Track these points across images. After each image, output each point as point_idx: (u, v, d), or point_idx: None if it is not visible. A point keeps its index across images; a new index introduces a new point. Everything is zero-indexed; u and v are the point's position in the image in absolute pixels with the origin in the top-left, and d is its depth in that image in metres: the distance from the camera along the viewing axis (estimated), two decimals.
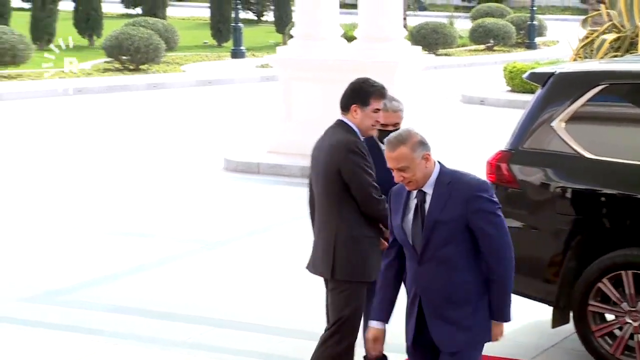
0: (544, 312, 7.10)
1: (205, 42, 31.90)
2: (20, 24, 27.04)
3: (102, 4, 30.37)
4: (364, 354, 6.58)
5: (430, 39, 28.89)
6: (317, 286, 6.34)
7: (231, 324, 7.75)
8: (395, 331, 5.45)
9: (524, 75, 7.47)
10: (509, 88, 20.73)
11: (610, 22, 16.86)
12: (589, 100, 6.84)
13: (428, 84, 17.74)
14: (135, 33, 24.56)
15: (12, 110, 19.37)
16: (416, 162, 4.75)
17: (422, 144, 4.80)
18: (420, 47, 15.78)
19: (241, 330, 7.62)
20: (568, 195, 6.76)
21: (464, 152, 13.60)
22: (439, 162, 4.87)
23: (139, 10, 37.05)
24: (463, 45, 30.99)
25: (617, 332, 6.65)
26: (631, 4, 16.49)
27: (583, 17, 21.66)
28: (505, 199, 6.95)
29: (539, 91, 7.08)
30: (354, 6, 16.82)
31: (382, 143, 5.17)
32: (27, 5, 35.30)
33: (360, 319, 5.97)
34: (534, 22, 31.50)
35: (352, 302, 5.89)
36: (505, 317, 4.91)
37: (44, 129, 17.23)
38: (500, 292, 4.85)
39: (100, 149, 15.40)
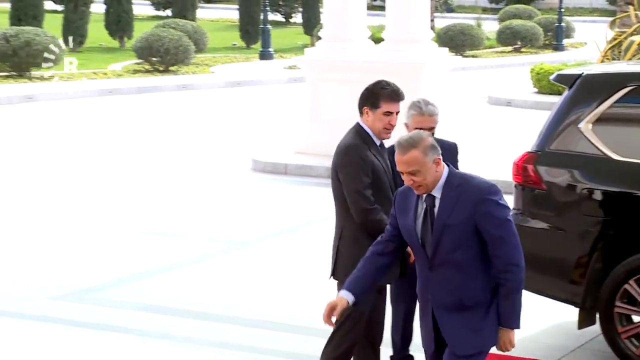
0: (570, 313, 7.11)
1: (234, 44, 32.03)
2: (53, 26, 27.31)
3: (133, 6, 30.61)
4: (391, 354, 6.67)
5: (458, 41, 28.87)
6: None
7: (259, 323, 7.82)
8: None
9: (551, 77, 7.49)
10: (536, 90, 20.69)
11: (639, 24, 16.80)
12: (616, 102, 6.85)
13: (455, 86, 17.75)
14: (165, 35, 24.73)
15: (45, 111, 19.57)
16: (427, 166, 4.69)
17: (434, 147, 4.73)
18: (447, 49, 15.80)
19: (268, 330, 7.68)
20: (595, 196, 6.76)
21: (491, 153, 13.62)
22: (448, 165, 4.81)
23: (169, 12, 37.33)
24: (490, 47, 30.94)
25: None
26: None
27: (611, 18, 21.59)
28: (532, 201, 6.99)
29: (566, 93, 7.09)
30: (382, 8, 16.87)
31: None
32: (59, 8, 35.63)
33: (361, 323, 5.87)
34: (562, 24, 31.39)
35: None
36: (513, 324, 4.81)
37: (76, 130, 17.40)
38: (508, 298, 4.76)
39: (131, 149, 15.54)
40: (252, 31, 31.33)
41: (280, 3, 39.44)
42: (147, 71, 25.00)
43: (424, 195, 4.79)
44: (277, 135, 16.20)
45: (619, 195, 6.70)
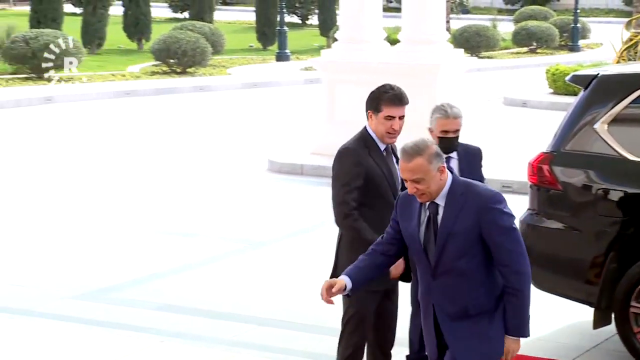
0: (586, 313, 7.12)
1: (250, 46, 32.11)
2: (72, 29, 27.49)
3: (151, 9, 30.75)
4: (407, 353, 6.69)
5: (473, 42, 28.86)
6: None
7: (274, 323, 7.86)
8: None
9: (567, 78, 7.50)
10: (552, 90, 20.67)
11: None
12: (632, 102, 6.85)
13: (470, 87, 17.74)
14: (183, 37, 24.82)
15: (64, 113, 19.69)
16: (432, 174, 4.61)
17: (438, 155, 4.65)
18: (462, 50, 15.80)
19: (284, 329, 7.73)
20: (610, 197, 6.77)
21: (506, 154, 13.62)
22: (451, 173, 4.73)
23: (186, 14, 37.49)
24: (506, 48, 30.91)
25: None
26: None
27: (627, 19, 21.54)
28: (547, 201, 7.01)
29: (581, 93, 7.09)
30: (398, 10, 16.90)
31: (442, 150, 4.94)
32: (78, 11, 35.79)
33: (364, 325, 5.85)
34: (578, 25, 31.32)
35: (351, 308, 5.82)
36: (521, 332, 4.74)
37: (95, 131, 17.50)
38: (514, 306, 4.69)
39: (149, 150, 15.61)
40: (268, 33, 31.41)
41: (297, 5, 39.54)
42: (165, 73, 25.09)
43: (427, 203, 4.73)
44: (293, 136, 16.24)
45: (634, 195, 6.70)
